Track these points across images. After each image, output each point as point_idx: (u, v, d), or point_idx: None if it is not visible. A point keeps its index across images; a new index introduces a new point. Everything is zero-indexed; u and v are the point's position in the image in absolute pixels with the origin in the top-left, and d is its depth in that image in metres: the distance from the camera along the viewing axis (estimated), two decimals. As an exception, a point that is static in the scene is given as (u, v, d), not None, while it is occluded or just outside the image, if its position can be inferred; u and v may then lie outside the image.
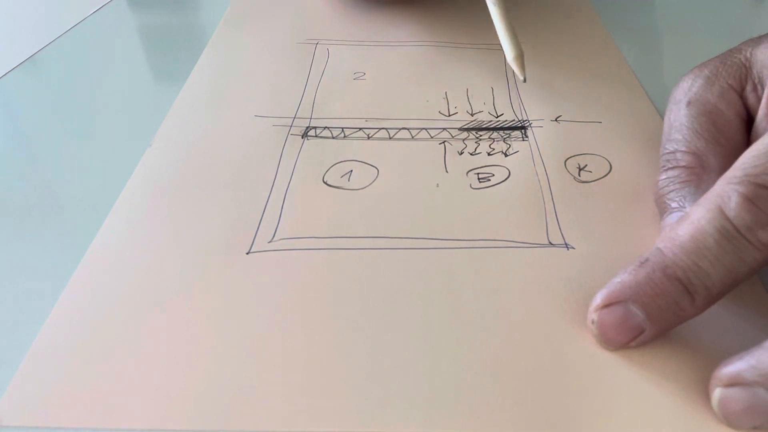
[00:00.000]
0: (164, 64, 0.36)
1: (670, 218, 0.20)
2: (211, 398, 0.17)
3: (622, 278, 0.18)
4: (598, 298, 0.18)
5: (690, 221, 0.17)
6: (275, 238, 0.22)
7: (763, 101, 0.21)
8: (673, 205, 0.20)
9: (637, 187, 0.24)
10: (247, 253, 0.21)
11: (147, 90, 0.33)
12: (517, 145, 0.27)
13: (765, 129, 0.21)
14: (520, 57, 0.29)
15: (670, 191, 0.21)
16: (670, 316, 0.17)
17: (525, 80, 0.29)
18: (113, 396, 0.17)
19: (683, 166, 0.21)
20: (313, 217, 0.23)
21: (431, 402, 0.17)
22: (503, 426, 0.16)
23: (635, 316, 0.17)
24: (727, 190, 0.17)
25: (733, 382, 0.16)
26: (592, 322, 0.18)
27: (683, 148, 0.21)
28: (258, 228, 0.23)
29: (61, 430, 0.16)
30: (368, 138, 0.28)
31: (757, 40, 0.23)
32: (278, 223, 0.23)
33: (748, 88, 0.22)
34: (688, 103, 0.22)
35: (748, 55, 0.22)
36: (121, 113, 0.31)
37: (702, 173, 0.20)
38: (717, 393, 0.16)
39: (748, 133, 0.21)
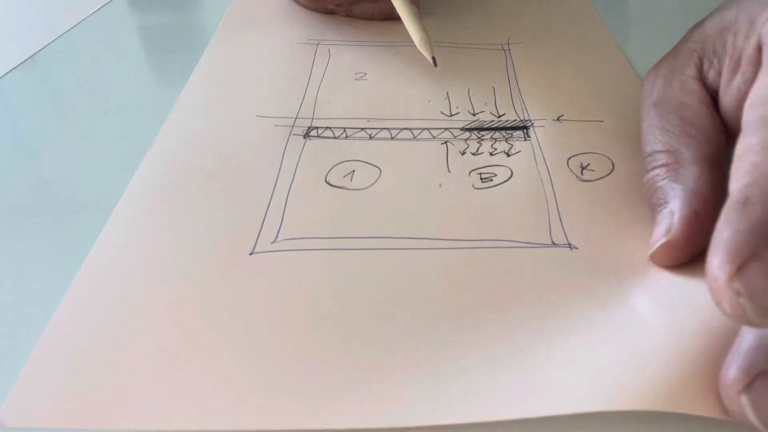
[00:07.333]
0: (165, 64, 0.36)
1: (661, 215, 0.20)
2: (216, 399, 0.17)
3: (734, 228, 0.14)
4: (725, 264, 0.14)
5: (754, 150, 0.16)
6: (278, 239, 0.22)
7: (725, 71, 0.22)
8: (659, 202, 0.21)
9: (639, 185, 0.24)
10: (250, 254, 0.21)
11: (148, 90, 0.33)
12: (519, 144, 0.27)
13: (735, 88, 0.21)
14: (426, 41, 0.31)
15: (654, 191, 0.21)
16: None
17: (435, 63, 0.31)
18: (117, 398, 0.17)
19: (661, 165, 0.21)
20: (315, 218, 0.23)
21: (432, 402, 0.17)
22: (503, 427, 0.16)
23: None
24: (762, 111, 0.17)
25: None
26: (739, 294, 0.14)
27: (659, 148, 0.22)
28: (261, 228, 0.23)
29: None
30: (370, 138, 0.28)
31: (700, 23, 0.23)
32: (281, 224, 0.23)
33: (705, 67, 0.22)
34: (654, 105, 0.23)
35: (696, 38, 0.23)
36: (122, 113, 0.31)
37: (678, 167, 0.21)
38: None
39: (715, 113, 0.22)
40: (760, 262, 0.14)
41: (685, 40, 0.24)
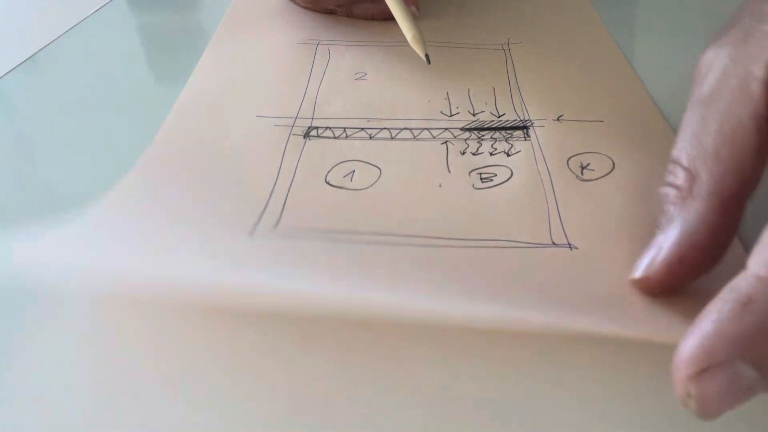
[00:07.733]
0: (165, 64, 0.36)
1: (654, 240, 0.19)
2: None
3: (719, 327, 0.13)
4: (691, 362, 0.13)
5: None
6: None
7: None
8: (659, 224, 0.19)
9: (639, 185, 0.24)
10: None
11: (147, 90, 0.33)
12: (519, 144, 0.27)
13: None
14: (418, 38, 0.31)
15: (660, 210, 0.20)
16: None
17: (428, 60, 0.31)
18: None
19: (677, 186, 0.19)
20: (315, 217, 0.23)
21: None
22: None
23: (747, 378, 0.13)
24: None
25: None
26: (689, 396, 0.14)
27: (683, 162, 0.19)
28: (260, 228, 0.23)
29: None
30: (370, 138, 0.28)
31: None
32: (281, 224, 0.23)
33: None
34: (702, 101, 0.20)
35: None
36: (122, 114, 0.31)
37: (688, 197, 0.19)
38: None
39: (765, 132, 0.19)
40: (725, 373, 0.13)
41: (761, 16, 0.19)
